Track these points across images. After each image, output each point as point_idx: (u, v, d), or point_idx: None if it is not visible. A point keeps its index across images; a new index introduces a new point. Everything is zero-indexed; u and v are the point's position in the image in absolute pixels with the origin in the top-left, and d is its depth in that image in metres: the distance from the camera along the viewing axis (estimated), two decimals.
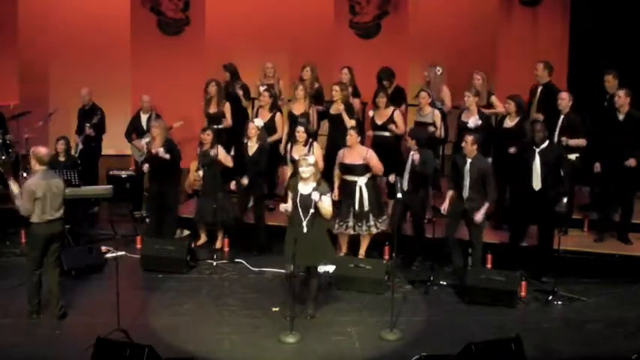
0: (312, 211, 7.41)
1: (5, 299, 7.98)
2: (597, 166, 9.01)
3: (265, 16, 12.44)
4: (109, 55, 12.51)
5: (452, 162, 8.78)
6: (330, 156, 9.34)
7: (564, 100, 9.00)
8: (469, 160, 8.43)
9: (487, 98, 9.86)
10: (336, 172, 8.98)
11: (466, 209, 8.43)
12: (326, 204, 7.45)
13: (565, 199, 8.26)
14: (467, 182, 8.41)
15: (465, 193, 8.42)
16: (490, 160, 9.10)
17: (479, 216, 8.35)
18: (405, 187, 8.64)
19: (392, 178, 8.76)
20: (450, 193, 8.59)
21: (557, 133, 8.94)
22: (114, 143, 11.47)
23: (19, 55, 11.71)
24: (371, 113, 9.73)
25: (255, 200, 9.48)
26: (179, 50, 11.54)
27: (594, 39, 10.68)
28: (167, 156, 9.29)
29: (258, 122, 9.38)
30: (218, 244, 9.58)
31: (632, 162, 8.77)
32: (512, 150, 8.99)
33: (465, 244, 8.70)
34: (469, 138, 8.45)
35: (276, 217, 9.74)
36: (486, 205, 8.40)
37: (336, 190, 8.83)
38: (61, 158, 10.05)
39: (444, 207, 8.58)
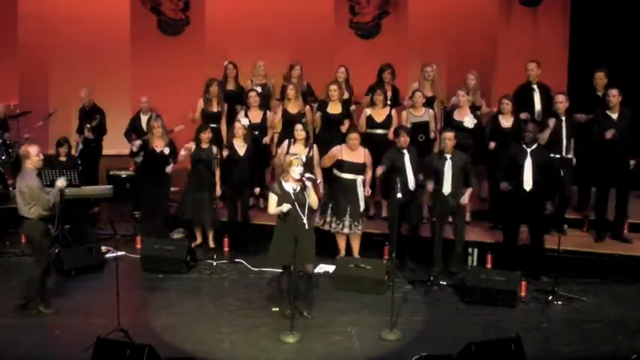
0: (308, 192, 7.38)
1: (5, 299, 7.98)
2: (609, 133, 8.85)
3: (265, 17, 12.43)
4: (109, 55, 12.52)
5: (428, 162, 8.76)
6: (322, 155, 9.28)
7: (562, 102, 8.99)
8: (449, 156, 8.47)
9: (481, 98, 9.87)
10: (325, 160, 8.95)
11: (451, 206, 8.50)
12: (314, 194, 7.49)
13: (549, 204, 8.34)
14: (448, 178, 8.46)
15: (447, 189, 8.46)
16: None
17: (465, 200, 8.52)
18: (412, 187, 8.65)
19: (379, 170, 8.72)
20: (430, 192, 8.64)
21: (564, 136, 8.93)
22: (114, 143, 11.47)
23: (19, 55, 11.70)
24: (368, 111, 9.67)
25: (244, 199, 9.49)
26: (179, 50, 11.54)
27: (594, 39, 10.69)
28: (169, 168, 9.40)
29: (245, 121, 9.39)
30: (211, 244, 9.57)
31: (633, 163, 8.79)
32: (492, 145, 9.09)
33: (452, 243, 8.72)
34: (449, 134, 8.50)
35: (270, 216, 9.69)
36: (468, 191, 8.57)
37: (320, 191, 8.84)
38: (62, 158, 10.08)
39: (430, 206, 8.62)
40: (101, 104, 10.97)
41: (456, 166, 8.48)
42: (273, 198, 7.47)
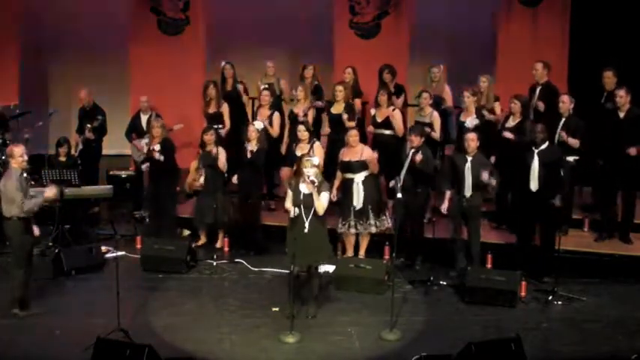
0: (314, 189, 7.42)
1: (5, 299, 7.97)
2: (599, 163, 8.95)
3: (265, 17, 12.44)
4: (108, 55, 12.51)
5: (450, 162, 8.77)
6: (330, 155, 9.33)
7: (565, 103, 8.99)
8: (470, 158, 8.45)
9: (493, 101, 9.86)
10: (338, 173, 8.98)
11: (467, 207, 8.45)
12: (323, 199, 7.51)
13: (558, 196, 8.29)
14: (468, 181, 8.42)
15: (467, 192, 8.43)
16: (493, 158, 9.11)
17: (485, 176, 8.35)
18: (402, 184, 8.64)
19: (391, 183, 8.78)
20: (448, 194, 8.59)
21: (557, 136, 8.93)
22: (114, 143, 11.47)
23: (19, 55, 11.70)
24: (372, 111, 9.74)
25: (253, 201, 9.49)
26: (179, 50, 11.53)
27: (594, 39, 10.68)
28: (162, 158, 9.35)
29: (258, 125, 9.41)
30: (219, 244, 9.59)
31: (632, 150, 8.76)
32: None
33: (464, 243, 8.70)
34: (471, 135, 8.47)
35: (276, 217, 9.75)
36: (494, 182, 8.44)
37: (334, 191, 8.82)
38: (62, 158, 10.09)
39: (445, 207, 8.58)
40: (101, 104, 10.96)
41: (475, 168, 8.45)
42: (289, 192, 7.68)
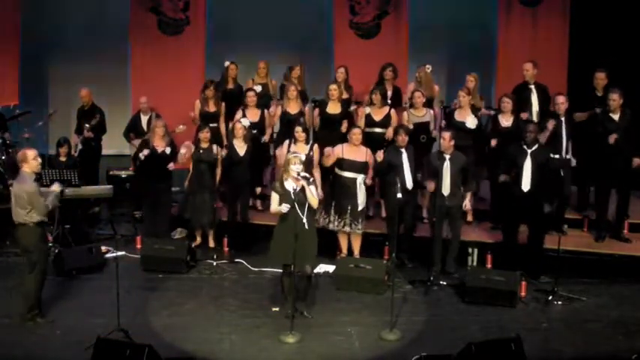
0: (307, 184, 7.37)
1: (5, 299, 7.98)
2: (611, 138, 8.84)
3: (265, 16, 12.45)
4: (108, 55, 12.52)
5: (427, 161, 8.74)
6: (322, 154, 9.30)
7: (562, 103, 9.01)
8: (447, 157, 8.47)
9: (480, 100, 9.88)
10: (325, 159, 8.94)
11: (448, 206, 8.47)
12: (314, 193, 7.49)
13: (548, 204, 8.33)
14: (447, 180, 8.46)
15: (446, 190, 8.45)
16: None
17: (467, 206, 8.73)
18: (410, 186, 8.66)
19: (380, 155, 8.71)
20: (429, 192, 8.63)
21: (564, 137, 8.94)
22: (114, 143, 11.48)
23: (19, 55, 11.72)
24: (367, 110, 9.69)
25: (244, 199, 9.50)
26: (179, 50, 11.54)
27: (594, 39, 10.69)
28: (171, 166, 9.42)
29: (245, 122, 9.43)
30: (211, 244, 9.59)
31: (637, 162, 8.80)
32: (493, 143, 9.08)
33: (442, 244, 8.72)
34: (447, 134, 8.51)
35: (271, 216, 9.71)
36: (469, 195, 8.68)
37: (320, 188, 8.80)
38: (62, 158, 10.09)
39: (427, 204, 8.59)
40: (101, 104, 10.97)
41: (454, 167, 8.48)
42: (274, 197, 7.51)
